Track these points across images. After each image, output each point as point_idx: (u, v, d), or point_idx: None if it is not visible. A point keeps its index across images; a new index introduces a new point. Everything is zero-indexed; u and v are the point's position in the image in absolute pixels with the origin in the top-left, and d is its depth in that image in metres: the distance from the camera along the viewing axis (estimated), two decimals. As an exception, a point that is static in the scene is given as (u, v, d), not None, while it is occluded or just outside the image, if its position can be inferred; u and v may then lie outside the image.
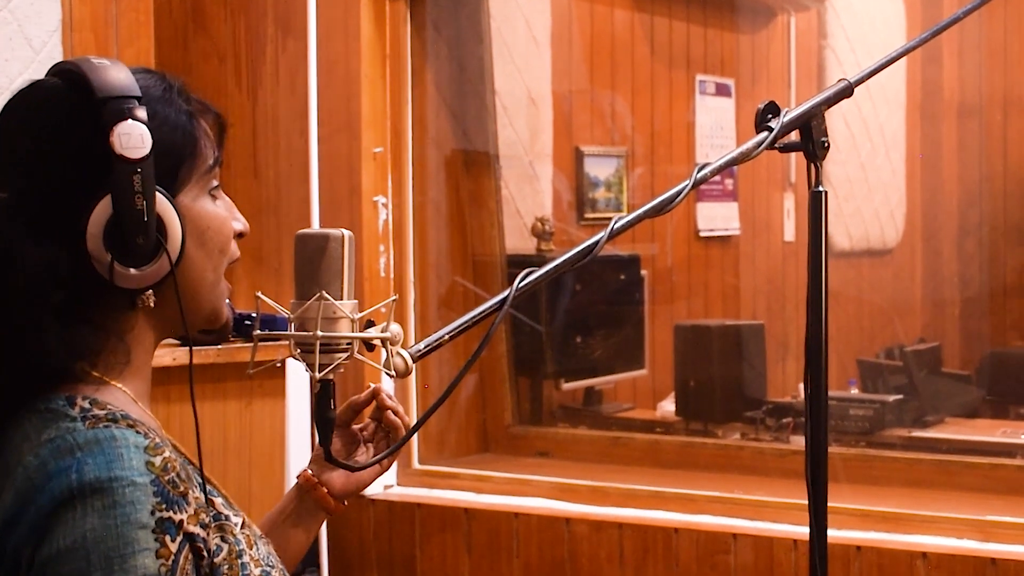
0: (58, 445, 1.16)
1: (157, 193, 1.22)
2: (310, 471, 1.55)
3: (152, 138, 1.21)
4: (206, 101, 1.33)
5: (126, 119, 1.20)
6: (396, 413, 1.55)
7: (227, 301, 1.36)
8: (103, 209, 1.20)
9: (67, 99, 1.24)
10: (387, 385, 3.28)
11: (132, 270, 1.22)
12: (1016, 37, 5.79)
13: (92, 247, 1.20)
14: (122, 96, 1.21)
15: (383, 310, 1.35)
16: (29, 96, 1.27)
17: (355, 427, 1.59)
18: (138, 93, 1.22)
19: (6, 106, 1.28)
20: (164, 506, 1.14)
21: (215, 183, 1.32)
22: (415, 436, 3.32)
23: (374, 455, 1.57)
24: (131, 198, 1.20)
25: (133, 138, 1.20)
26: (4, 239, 1.21)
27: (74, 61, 1.26)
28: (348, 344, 1.32)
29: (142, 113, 1.21)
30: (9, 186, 1.23)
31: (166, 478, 1.16)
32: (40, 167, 1.23)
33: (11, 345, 1.21)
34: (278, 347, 1.34)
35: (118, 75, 1.23)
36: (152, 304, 1.25)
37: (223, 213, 1.32)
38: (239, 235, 1.34)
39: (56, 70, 1.28)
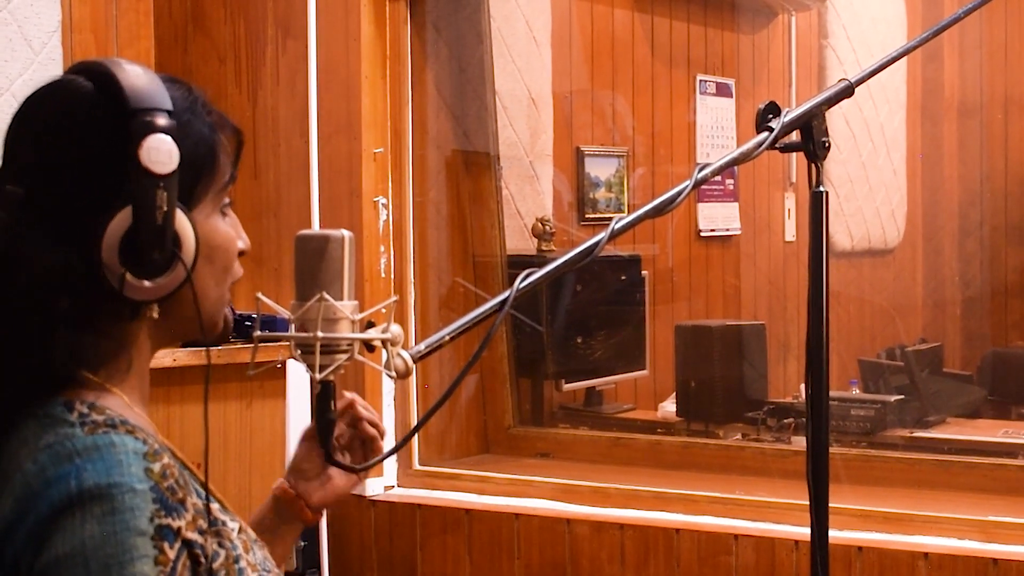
0: (57, 451, 1.15)
1: (178, 210, 1.21)
2: (287, 483, 1.54)
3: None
4: (225, 115, 1.32)
5: (156, 133, 1.19)
6: (372, 423, 1.53)
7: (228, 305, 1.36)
8: (122, 220, 1.19)
9: (98, 105, 1.22)
10: (387, 386, 3.29)
11: (145, 282, 1.21)
12: (1017, 36, 5.79)
13: (107, 257, 1.19)
14: (154, 108, 1.20)
15: (383, 311, 1.34)
16: (57, 95, 1.25)
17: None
18: (169, 106, 1.21)
19: (29, 102, 1.26)
20: (163, 513, 1.13)
21: (227, 200, 1.31)
22: (416, 437, 3.32)
23: (351, 462, 1.55)
24: (152, 212, 1.19)
25: (161, 153, 1.19)
26: (13, 237, 1.20)
27: (104, 64, 1.24)
28: (348, 345, 1.32)
29: (171, 127, 1.20)
30: (26, 184, 1.22)
31: (165, 484, 1.15)
32: (63, 170, 1.21)
33: (15, 349, 1.20)
34: (278, 348, 1.34)
35: (151, 85, 1.22)
36: (156, 315, 1.24)
37: (231, 233, 1.31)
38: (240, 253, 1.34)
39: (84, 71, 1.26)
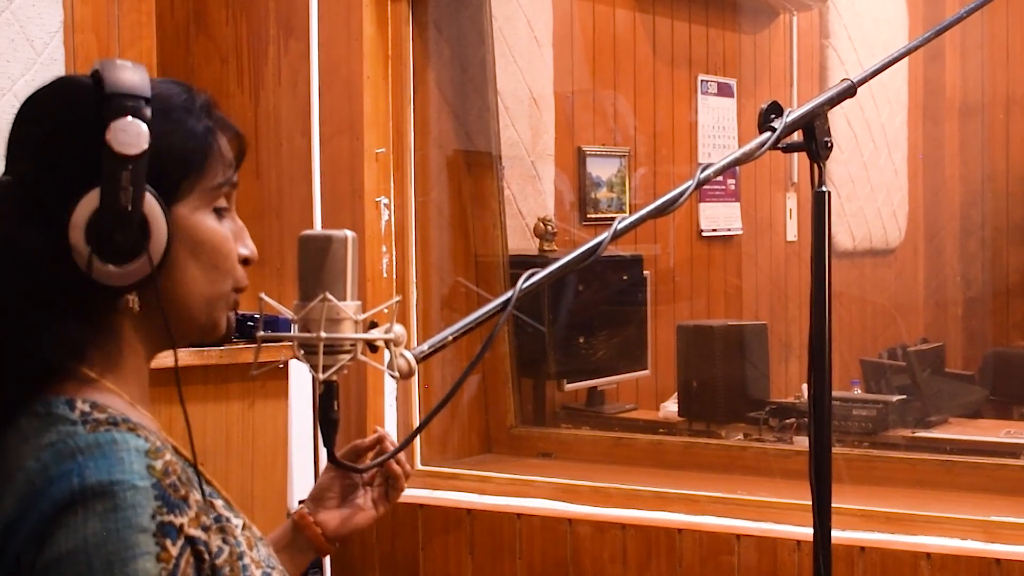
0: (59, 449, 1.15)
1: (147, 194, 1.21)
2: (306, 509, 1.56)
3: (161, 142, 1.21)
4: (231, 122, 1.32)
5: (126, 116, 1.20)
6: (398, 460, 1.58)
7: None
8: (90, 202, 1.20)
9: (79, 93, 1.24)
10: (389, 386, 3.28)
11: (110, 266, 1.21)
12: (1018, 36, 5.79)
13: (74, 238, 1.20)
14: (128, 94, 1.21)
15: (386, 311, 1.34)
16: (49, 87, 1.28)
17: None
18: (146, 94, 1.22)
19: (29, 98, 1.28)
20: (165, 510, 1.14)
21: (224, 203, 1.31)
22: (418, 437, 3.32)
23: (373, 498, 1.60)
24: (116, 193, 1.19)
25: (129, 135, 1.19)
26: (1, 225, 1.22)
27: (102, 61, 1.26)
28: (352, 345, 1.32)
29: (146, 113, 1.21)
30: (15, 172, 1.25)
31: (167, 482, 1.15)
32: (41, 155, 1.23)
33: (2, 337, 1.21)
34: (281, 348, 1.34)
35: (132, 76, 1.23)
36: (136, 308, 1.24)
37: (223, 231, 1.30)
38: (245, 261, 1.33)
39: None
